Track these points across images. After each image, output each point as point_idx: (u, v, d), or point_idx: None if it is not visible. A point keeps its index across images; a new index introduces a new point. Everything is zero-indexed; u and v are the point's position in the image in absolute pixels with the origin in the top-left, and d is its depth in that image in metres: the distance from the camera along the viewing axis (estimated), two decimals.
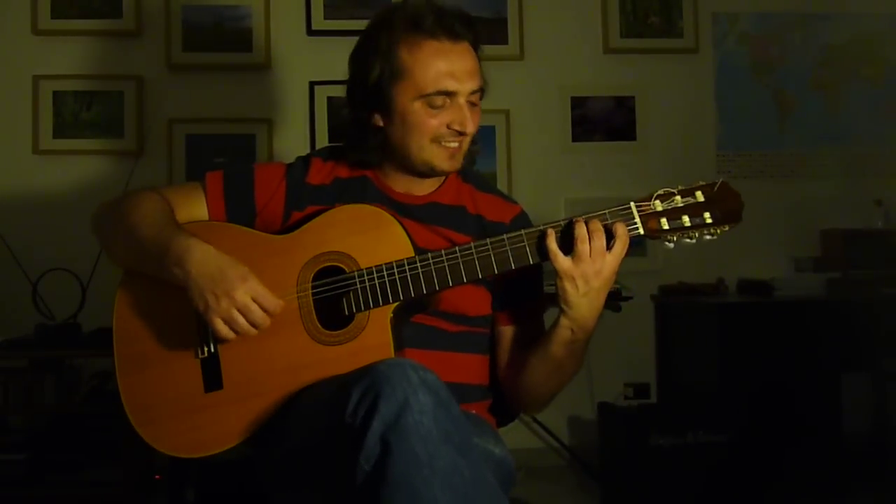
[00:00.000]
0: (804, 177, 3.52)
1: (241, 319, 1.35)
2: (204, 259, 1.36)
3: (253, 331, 1.36)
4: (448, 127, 1.47)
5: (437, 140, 1.48)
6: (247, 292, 1.34)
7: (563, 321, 1.42)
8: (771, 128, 3.53)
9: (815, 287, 3.23)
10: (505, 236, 1.40)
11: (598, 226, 1.37)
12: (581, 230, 1.36)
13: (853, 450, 3.02)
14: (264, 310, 1.36)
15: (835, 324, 3.01)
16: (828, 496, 2.85)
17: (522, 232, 1.40)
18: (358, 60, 1.52)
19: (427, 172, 1.53)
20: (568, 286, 1.38)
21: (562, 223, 1.40)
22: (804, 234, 3.45)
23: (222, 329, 1.35)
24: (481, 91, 1.51)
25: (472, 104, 1.50)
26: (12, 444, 2.77)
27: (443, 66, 1.45)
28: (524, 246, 1.40)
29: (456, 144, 1.50)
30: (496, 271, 1.40)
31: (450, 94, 1.46)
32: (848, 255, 3.31)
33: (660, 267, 3.30)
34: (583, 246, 1.35)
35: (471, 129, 1.48)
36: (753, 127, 3.51)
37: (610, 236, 1.37)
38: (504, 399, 1.60)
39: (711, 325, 3.10)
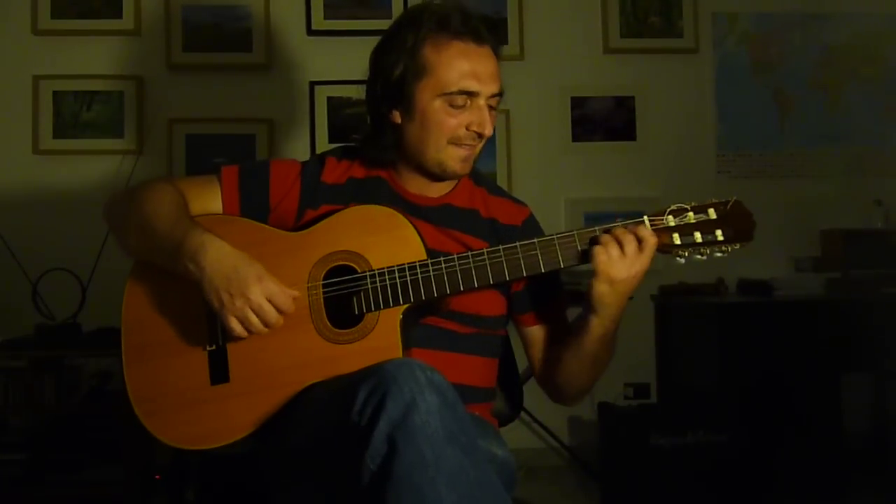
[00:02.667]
0: (804, 177, 3.52)
1: (255, 319, 1.36)
2: (219, 256, 1.36)
3: (266, 330, 1.37)
4: (467, 128, 1.48)
5: (454, 141, 1.49)
6: (262, 292, 1.35)
7: (595, 320, 1.45)
8: (771, 128, 3.53)
9: (815, 287, 3.23)
10: (518, 244, 1.42)
11: (643, 233, 1.40)
12: (620, 235, 1.39)
13: (853, 450, 3.02)
14: (279, 310, 1.37)
15: (835, 324, 3.01)
16: (828, 496, 2.85)
17: (535, 241, 1.42)
18: (382, 56, 1.53)
19: (439, 174, 1.54)
20: (606, 289, 1.41)
21: (576, 233, 1.42)
22: (804, 234, 3.45)
23: (236, 327, 1.36)
24: (500, 95, 1.52)
25: (491, 107, 1.51)
26: (12, 444, 2.78)
27: (466, 67, 1.46)
28: (536, 254, 1.41)
29: (471, 146, 1.51)
30: (507, 278, 1.42)
31: (471, 95, 1.47)
32: (848, 255, 3.31)
33: (660, 267, 3.25)
34: (615, 251, 1.39)
35: (489, 131, 1.50)
36: (753, 127, 3.51)
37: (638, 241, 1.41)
38: (512, 394, 1.64)
39: (711, 325, 3.10)
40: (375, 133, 1.55)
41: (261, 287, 1.35)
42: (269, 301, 1.36)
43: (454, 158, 1.50)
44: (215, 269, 1.35)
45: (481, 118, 1.48)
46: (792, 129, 3.54)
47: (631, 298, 1.46)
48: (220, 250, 1.37)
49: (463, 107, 1.48)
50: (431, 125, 1.48)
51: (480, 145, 1.53)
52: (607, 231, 1.41)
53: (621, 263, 1.39)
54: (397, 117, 1.52)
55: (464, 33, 1.47)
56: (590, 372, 1.53)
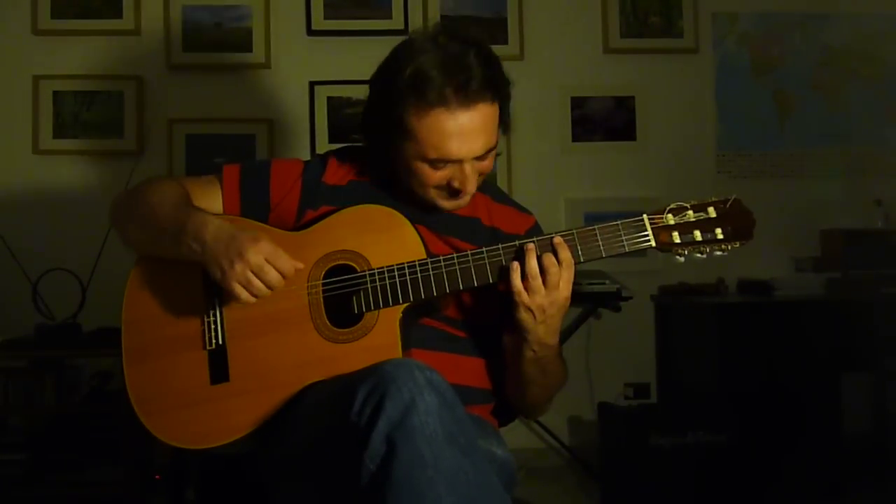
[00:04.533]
0: (804, 177, 3.52)
1: (256, 281, 1.35)
2: (218, 229, 1.37)
3: (268, 292, 1.36)
4: (449, 184, 1.46)
5: (439, 189, 1.47)
6: (258, 252, 1.34)
7: (524, 344, 1.43)
8: (771, 128, 3.53)
9: (815, 287, 3.23)
10: (517, 242, 1.41)
11: (552, 259, 1.36)
12: (533, 266, 1.36)
13: (853, 450, 3.02)
14: (279, 270, 1.36)
15: (835, 324, 3.01)
16: (828, 496, 2.85)
17: (535, 240, 1.40)
18: (371, 95, 1.50)
19: (432, 210, 1.53)
20: (525, 316, 1.38)
21: (575, 231, 1.40)
22: (804, 234, 3.45)
23: (241, 293, 1.35)
24: (492, 149, 1.47)
25: (481, 159, 1.46)
26: (12, 444, 2.77)
27: (448, 133, 1.40)
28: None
29: (458, 196, 1.48)
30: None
31: (454, 161, 1.43)
32: (848, 255, 3.31)
33: (660, 267, 3.30)
34: (535, 282, 1.36)
35: (470, 189, 1.47)
36: (753, 127, 3.51)
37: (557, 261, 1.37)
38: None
39: (711, 325, 3.10)
40: (372, 153, 1.55)
41: (257, 247, 1.34)
42: (268, 261, 1.35)
43: (442, 200, 1.49)
44: (215, 242, 1.36)
45: (462, 179, 1.44)
46: (792, 129, 3.53)
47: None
48: (220, 226, 1.37)
49: (446, 166, 1.44)
50: (415, 177, 1.47)
51: (468, 196, 1.49)
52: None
53: (538, 294, 1.36)
54: (387, 153, 1.50)
55: (447, 95, 1.37)
56: (530, 391, 1.51)
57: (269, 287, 1.36)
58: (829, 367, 2.98)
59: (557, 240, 1.38)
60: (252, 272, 1.34)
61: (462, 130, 1.40)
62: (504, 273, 1.39)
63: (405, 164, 1.47)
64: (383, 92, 1.45)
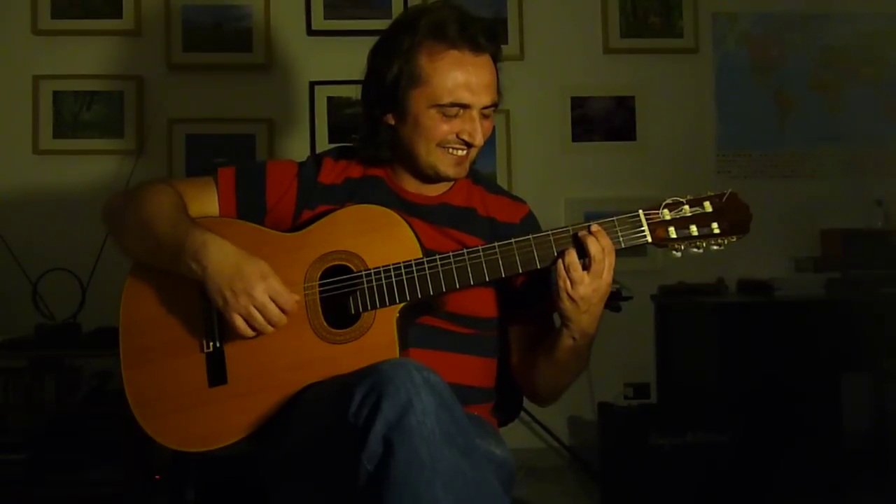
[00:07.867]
0: (804, 177, 3.52)
1: (259, 317, 1.36)
2: (221, 254, 1.37)
3: (269, 328, 1.37)
4: (457, 136, 1.48)
5: (443, 145, 1.49)
6: (265, 291, 1.35)
7: (565, 332, 1.45)
8: (771, 128, 3.53)
9: (815, 287, 3.23)
10: (513, 241, 1.41)
11: (597, 247, 1.38)
12: (573, 259, 1.38)
13: (853, 450, 3.02)
14: (281, 308, 1.37)
15: (835, 324, 3.01)
16: (828, 496, 2.85)
17: (531, 237, 1.41)
18: (377, 58, 1.52)
19: (433, 177, 1.54)
20: (570, 306, 1.40)
21: (564, 234, 1.41)
22: (804, 234, 3.45)
23: (241, 325, 1.36)
24: (495, 105, 1.52)
25: (485, 116, 1.51)
26: (12, 444, 2.77)
27: (461, 78, 1.45)
28: (532, 251, 1.41)
29: (463, 153, 1.51)
30: (503, 275, 1.41)
31: (464, 107, 1.47)
32: (848, 255, 3.31)
33: (660, 267, 3.30)
34: (576, 273, 1.38)
35: (479, 141, 1.49)
36: (753, 127, 3.51)
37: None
38: (513, 394, 1.63)
39: (711, 325, 3.10)
40: (370, 132, 1.55)
41: (265, 285, 1.35)
42: (273, 300, 1.36)
43: (445, 163, 1.50)
44: (218, 268, 1.36)
45: (472, 128, 1.48)
46: (792, 129, 3.53)
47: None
48: (222, 248, 1.37)
49: (455, 116, 1.47)
50: (423, 130, 1.48)
51: (474, 151, 1.52)
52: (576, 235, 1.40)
53: (581, 284, 1.38)
54: (390, 119, 1.52)
55: (460, 42, 1.45)
56: (560, 378, 1.54)
57: (270, 324, 1.37)
58: (829, 367, 2.98)
59: (595, 227, 1.39)
60: (255, 308, 1.35)
61: (472, 75, 1.46)
62: (553, 261, 1.40)
63: (414, 119, 1.48)
64: (395, 44, 1.48)
